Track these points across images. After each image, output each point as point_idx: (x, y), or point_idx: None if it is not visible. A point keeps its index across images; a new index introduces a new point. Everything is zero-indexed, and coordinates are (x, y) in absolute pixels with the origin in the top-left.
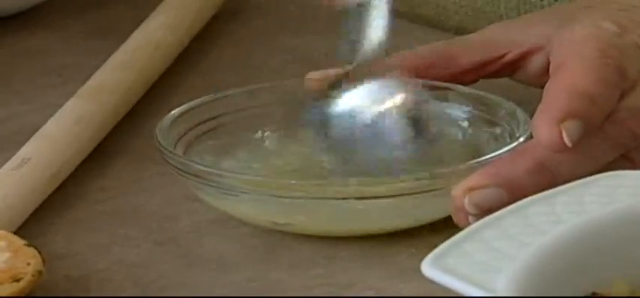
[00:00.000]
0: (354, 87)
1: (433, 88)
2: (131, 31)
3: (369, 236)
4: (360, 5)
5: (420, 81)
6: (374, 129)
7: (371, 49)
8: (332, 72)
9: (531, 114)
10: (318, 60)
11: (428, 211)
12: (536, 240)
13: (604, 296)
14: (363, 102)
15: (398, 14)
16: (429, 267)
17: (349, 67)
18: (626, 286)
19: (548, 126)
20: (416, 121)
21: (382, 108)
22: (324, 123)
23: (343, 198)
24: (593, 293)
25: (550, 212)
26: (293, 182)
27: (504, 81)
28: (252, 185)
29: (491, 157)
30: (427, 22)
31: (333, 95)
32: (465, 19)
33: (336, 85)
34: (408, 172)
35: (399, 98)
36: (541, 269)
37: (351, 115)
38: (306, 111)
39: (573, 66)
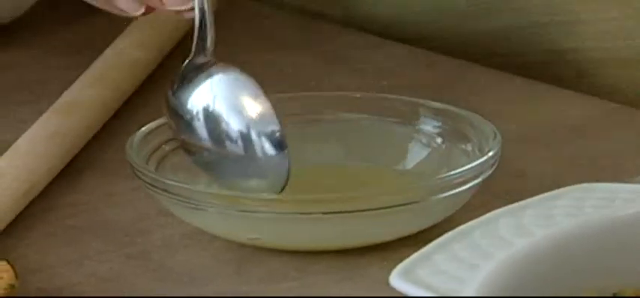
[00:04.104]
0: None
1: (404, 104)
2: (104, 48)
3: (340, 249)
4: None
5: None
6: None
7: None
8: None
9: (501, 130)
10: (289, 75)
11: (400, 225)
12: (504, 252)
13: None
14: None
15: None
16: (396, 279)
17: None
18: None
19: None
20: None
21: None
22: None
23: (312, 213)
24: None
25: (518, 224)
26: (262, 198)
27: (473, 98)
28: (222, 200)
29: (462, 171)
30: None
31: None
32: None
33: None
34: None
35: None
36: (508, 280)
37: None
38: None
39: None
